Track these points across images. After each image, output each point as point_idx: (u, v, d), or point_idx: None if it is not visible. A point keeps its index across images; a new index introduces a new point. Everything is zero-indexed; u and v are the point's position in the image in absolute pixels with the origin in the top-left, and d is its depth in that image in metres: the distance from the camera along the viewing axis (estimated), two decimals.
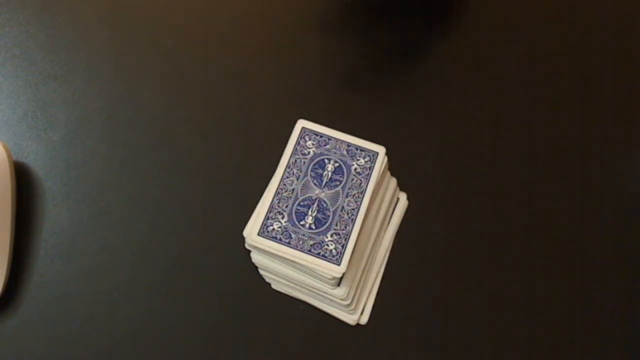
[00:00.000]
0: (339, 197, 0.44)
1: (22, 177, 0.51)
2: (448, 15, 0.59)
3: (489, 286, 0.48)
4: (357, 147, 0.46)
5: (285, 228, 0.43)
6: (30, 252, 0.49)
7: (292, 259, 0.42)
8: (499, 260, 0.49)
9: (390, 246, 0.49)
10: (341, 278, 0.43)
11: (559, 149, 0.53)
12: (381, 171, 0.45)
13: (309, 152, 0.45)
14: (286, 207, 0.43)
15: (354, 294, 0.45)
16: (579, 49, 0.58)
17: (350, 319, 0.46)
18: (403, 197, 0.51)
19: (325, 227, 0.43)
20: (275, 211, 0.43)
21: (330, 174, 0.45)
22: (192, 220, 0.50)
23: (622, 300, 0.48)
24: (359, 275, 0.45)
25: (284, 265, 0.44)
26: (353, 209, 0.43)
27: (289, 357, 0.46)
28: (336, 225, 0.43)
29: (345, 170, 0.45)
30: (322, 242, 0.42)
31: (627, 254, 0.49)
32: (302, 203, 0.44)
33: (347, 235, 0.43)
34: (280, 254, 0.42)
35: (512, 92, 0.56)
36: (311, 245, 0.42)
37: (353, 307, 0.46)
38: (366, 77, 0.56)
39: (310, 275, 0.43)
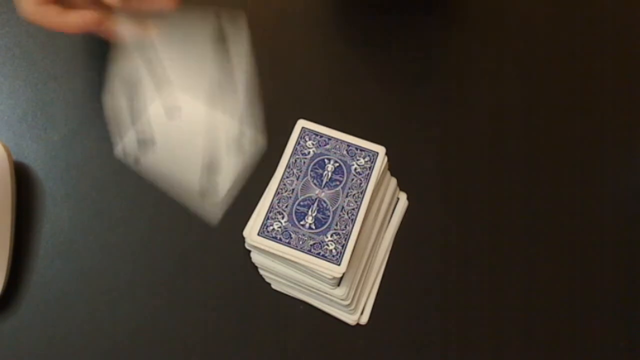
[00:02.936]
0: (339, 197, 0.44)
1: (22, 177, 0.51)
2: (448, 15, 0.59)
3: (488, 286, 0.48)
4: (357, 147, 0.46)
5: (285, 228, 0.43)
6: (30, 252, 0.49)
7: (292, 259, 0.42)
8: (498, 260, 0.49)
9: (390, 246, 0.49)
10: (341, 278, 0.43)
11: (559, 149, 0.53)
12: (381, 171, 0.45)
13: (309, 152, 0.45)
14: (286, 207, 0.43)
15: (354, 294, 0.45)
16: (579, 49, 0.58)
17: (350, 319, 0.46)
18: (403, 197, 0.51)
19: (325, 227, 0.43)
20: (275, 211, 0.43)
21: (330, 174, 0.45)
22: (192, 220, 0.50)
23: (622, 300, 0.48)
24: (359, 275, 0.45)
25: (284, 265, 0.44)
26: (353, 209, 0.43)
27: (289, 357, 0.46)
28: (336, 225, 0.43)
29: (345, 170, 0.45)
30: (322, 242, 0.42)
31: (627, 253, 0.49)
32: (302, 203, 0.44)
33: (347, 235, 0.43)
34: (280, 254, 0.42)
35: (512, 92, 0.56)
36: (311, 245, 0.42)
37: (353, 307, 0.46)
38: (366, 77, 0.56)
39: (310, 275, 0.43)
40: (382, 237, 0.49)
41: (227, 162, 0.47)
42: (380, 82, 0.56)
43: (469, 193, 0.51)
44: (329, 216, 0.43)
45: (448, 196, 0.51)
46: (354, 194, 0.44)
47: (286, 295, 0.48)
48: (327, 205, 0.44)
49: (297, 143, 0.46)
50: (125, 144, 0.46)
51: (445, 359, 0.46)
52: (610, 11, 0.59)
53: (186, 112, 0.48)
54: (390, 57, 0.57)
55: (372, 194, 0.44)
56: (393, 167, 0.49)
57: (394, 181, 0.50)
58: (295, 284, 0.46)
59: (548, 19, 0.59)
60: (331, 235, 0.43)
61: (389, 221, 0.50)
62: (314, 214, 0.43)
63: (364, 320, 0.47)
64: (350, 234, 0.43)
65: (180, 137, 0.49)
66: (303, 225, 0.43)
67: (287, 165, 0.45)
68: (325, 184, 0.44)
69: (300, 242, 0.42)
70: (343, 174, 0.45)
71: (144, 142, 0.46)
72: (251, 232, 0.43)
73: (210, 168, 0.45)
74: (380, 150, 0.45)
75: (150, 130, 0.47)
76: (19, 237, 0.49)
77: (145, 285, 0.48)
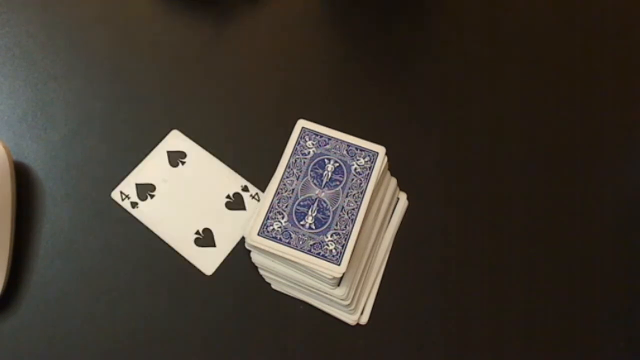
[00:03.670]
0: (339, 197, 0.44)
1: (22, 177, 0.51)
2: (448, 16, 0.59)
3: (489, 286, 0.48)
4: (357, 147, 0.46)
5: (285, 228, 0.43)
6: (30, 252, 0.49)
7: (292, 259, 0.42)
8: (499, 260, 0.49)
9: (390, 246, 0.49)
10: (341, 278, 0.43)
11: (559, 149, 0.53)
12: (381, 171, 0.45)
13: (309, 152, 0.45)
14: (286, 207, 0.43)
15: (354, 294, 0.45)
16: (579, 49, 0.58)
17: (350, 319, 0.46)
18: (403, 197, 0.51)
19: (325, 227, 0.43)
20: (275, 211, 0.43)
21: (330, 174, 0.45)
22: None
23: (622, 300, 0.48)
24: (359, 275, 0.45)
25: (284, 265, 0.44)
26: (353, 209, 0.43)
27: (289, 357, 0.46)
28: (336, 225, 0.43)
29: (345, 170, 0.45)
30: (322, 242, 0.42)
31: (627, 253, 0.49)
32: (302, 203, 0.44)
33: (347, 235, 0.43)
34: (280, 254, 0.42)
35: (511, 92, 0.56)
36: (311, 245, 0.42)
37: (353, 307, 0.46)
38: (366, 77, 0.56)
39: (310, 275, 0.43)
40: (382, 237, 0.49)
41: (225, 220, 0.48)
42: (380, 82, 0.56)
43: (469, 193, 0.51)
44: (329, 216, 0.43)
45: (448, 196, 0.51)
46: (354, 194, 0.44)
47: (286, 295, 0.48)
48: (327, 205, 0.44)
49: (297, 143, 0.46)
50: (123, 187, 0.47)
51: (445, 359, 0.46)
52: (610, 11, 0.59)
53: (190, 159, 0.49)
54: (391, 57, 0.57)
55: (372, 194, 0.44)
56: (393, 167, 0.49)
57: (394, 181, 0.50)
58: (295, 284, 0.46)
59: (548, 19, 0.59)
60: (331, 235, 0.43)
61: (389, 221, 0.50)
62: (314, 214, 0.43)
63: (364, 320, 0.47)
64: (350, 234, 0.43)
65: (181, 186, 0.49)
66: (303, 225, 0.43)
67: (287, 165, 0.45)
68: (325, 184, 0.44)
69: (300, 242, 0.42)
70: (343, 174, 0.45)
71: (143, 188, 0.46)
72: (251, 232, 0.43)
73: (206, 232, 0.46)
74: (380, 150, 0.45)
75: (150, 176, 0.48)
76: (19, 237, 0.49)
77: (145, 285, 0.48)
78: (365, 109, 0.54)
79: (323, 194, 0.44)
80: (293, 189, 0.44)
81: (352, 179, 0.44)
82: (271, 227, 0.43)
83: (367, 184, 0.44)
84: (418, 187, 0.51)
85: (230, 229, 0.49)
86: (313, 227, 0.43)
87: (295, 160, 0.45)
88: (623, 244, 0.50)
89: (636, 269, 0.49)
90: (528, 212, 0.51)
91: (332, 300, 0.45)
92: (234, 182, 0.51)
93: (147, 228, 0.49)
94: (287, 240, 0.42)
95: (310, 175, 0.45)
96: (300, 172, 0.45)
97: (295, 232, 0.43)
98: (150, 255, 0.49)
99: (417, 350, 0.46)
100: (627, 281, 0.48)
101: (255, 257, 0.46)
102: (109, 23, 0.58)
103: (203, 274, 0.48)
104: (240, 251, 0.48)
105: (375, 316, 0.47)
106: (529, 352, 0.46)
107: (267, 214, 0.43)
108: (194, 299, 0.47)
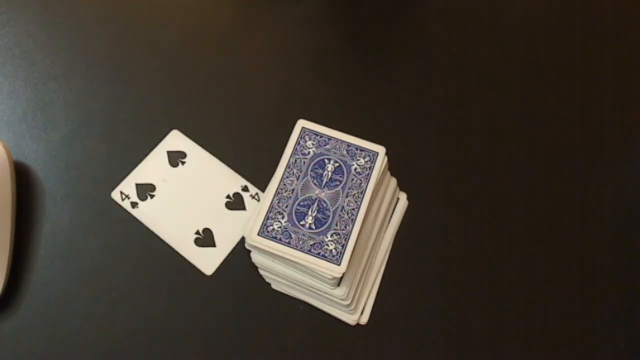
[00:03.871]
0: (339, 197, 0.44)
1: (22, 177, 0.51)
2: (448, 15, 0.59)
3: (489, 286, 0.48)
4: (357, 147, 0.46)
5: (285, 228, 0.43)
6: (30, 252, 0.49)
7: (292, 259, 0.42)
8: (499, 260, 0.49)
9: (390, 246, 0.49)
10: (341, 278, 0.43)
11: (559, 149, 0.53)
12: (381, 171, 0.45)
13: (309, 152, 0.45)
14: (286, 207, 0.43)
15: (354, 294, 0.45)
16: (579, 49, 0.58)
17: (350, 319, 0.46)
18: (403, 197, 0.51)
19: (325, 227, 0.43)
20: (275, 211, 0.43)
21: (330, 174, 0.45)
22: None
23: (622, 300, 0.48)
24: (359, 275, 0.45)
25: (284, 265, 0.44)
26: (353, 209, 0.43)
27: (288, 357, 0.46)
28: (336, 225, 0.43)
29: (345, 170, 0.45)
30: (322, 242, 0.42)
31: (627, 253, 0.49)
32: (302, 203, 0.44)
33: (347, 235, 0.43)
34: (280, 254, 0.42)
35: (512, 92, 0.56)
36: (311, 245, 0.42)
37: (353, 307, 0.46)
38: (366, 77, 0.56)
39: (310, 275, 0.43)
40: (382, 237, 0.49)
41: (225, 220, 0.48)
42: (381, 82, 0.56)
43: (469, 193, 0.51)
44: (329, 216, 0.43)
45: (448, 196, 0.51)
46: (354, 194, 0.44)
47: (286, 295, 0.48)
48: (327, 205, 0.44)
49: (297, 143, 0.46)
50: (123, 187, 0.47)
51: (445, 359, 0.46)
52: (610, 11, 0.59)
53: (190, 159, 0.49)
54: (391, 57, 0.57)
55: (372, 194, 0.44)
56: (393, 167, 0.49)
57: (394, 181, 0.50)
58: (295, 284, 0.46)
59: (548, 19, 0.59)
60: (331, 235, 0.43)
61: (389, 221, 0.50)
62: (314, 214, 0.43)
63: (364, 320, 0.47)
64: (350, 234, 0.43)
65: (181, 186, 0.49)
66: (303, 225, 0.43)
67: (287, 165, 0.45)
68: (325, 184, 0.44)
69: (300, 242, 0.42)
70: (343, 174, 0.45)
71: (143, 188, 0.46)
72: (251, 232, 0.43)
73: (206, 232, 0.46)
74: (380, 150, 0.45)
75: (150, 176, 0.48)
76: (19, 237, 0.49)
77: (145, 285, 0.48)
78: (365, 109, 0.54)
79: (323, 194, 0.44)
80: (293, 189, 0.44)
81: (352, 179, 0.44)
82: (271, 227, 0.43)
83: (367, 184, 0.44)
84: (418, 187, 0.51)
85: (230, 229, 0.49)
86: (313, 227, 0.43)
87: (295, 160, 0.45)
88: (623, 244, 0.50)
89: (636, 269, 0.49)
90: (528, 212, 0.51)
91: (332, 300, 0.45)
92: (234, 182, 0.51)
93: (147, 228, 0.49)
94: (287, 240, 0.42)
95: (310, 175, 0.45)
96: (300, 172, 0.45)
97: (295, 232, 0.43)
98: (150, 255, 0.49)
99: (417, 350, 0.46)
100: (627, 281, 0.48)
101: (255, 257, 0.46)
102: (109, 23, 0.58)
103: (203, 274, 0.48)
104: (240, 251, 0.48)
105: (375, 316, 0.47)
106: (529, 352, 0.46)
107: (267, 214, 0.43)
108: (194, 299, 0.47)
